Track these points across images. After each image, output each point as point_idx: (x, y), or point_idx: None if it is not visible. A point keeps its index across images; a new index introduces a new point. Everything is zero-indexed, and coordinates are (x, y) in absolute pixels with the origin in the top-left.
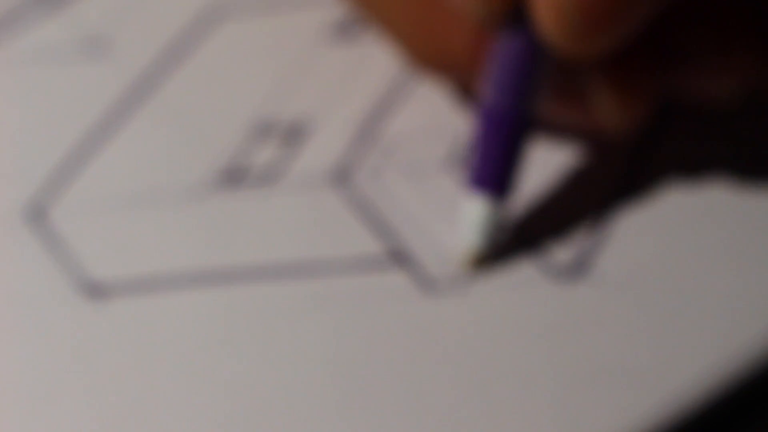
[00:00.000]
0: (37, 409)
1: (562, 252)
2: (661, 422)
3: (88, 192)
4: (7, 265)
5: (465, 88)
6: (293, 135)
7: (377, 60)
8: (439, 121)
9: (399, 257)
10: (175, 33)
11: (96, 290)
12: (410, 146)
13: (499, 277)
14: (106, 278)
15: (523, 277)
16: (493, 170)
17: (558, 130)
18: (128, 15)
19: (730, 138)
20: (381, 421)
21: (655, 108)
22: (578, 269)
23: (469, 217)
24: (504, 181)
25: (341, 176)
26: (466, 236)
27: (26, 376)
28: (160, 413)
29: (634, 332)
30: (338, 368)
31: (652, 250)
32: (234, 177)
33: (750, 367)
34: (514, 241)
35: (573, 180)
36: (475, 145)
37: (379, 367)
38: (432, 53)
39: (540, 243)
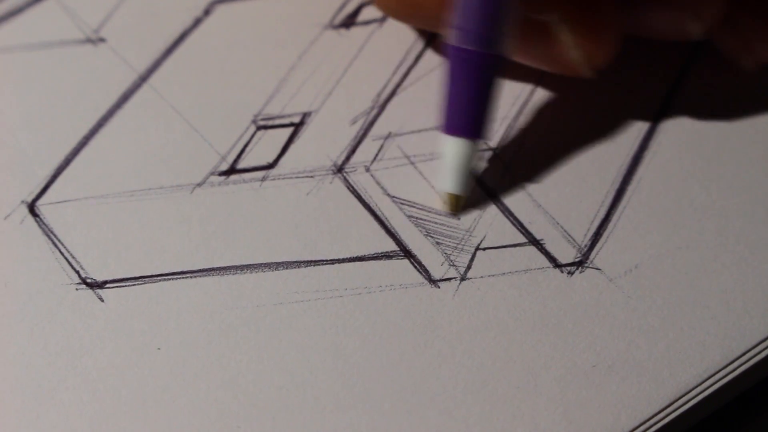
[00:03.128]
0: (34, 399)
1: (565, 246)
2: (661, 416)
3: (85, 186)
4: (6, 258)
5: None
6: (292, 127)
7: (377, 49)
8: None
9: (400, 249)
10: (172, 25)
11: (95, 282)
12: (410, 140)
13: (501, 269)
14: (104, 271)
15: (525, 269)
16: (464, 111)
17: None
18: (125, 10)
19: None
20: (381, 411)
21: (621, 46)
22: (581, 263)
23: (446, 159)
24: (476, 122)
25: (341, 169)
26: (443, 179)
27: (23, 365)
28: (158, 402)
29: (634, 326)
30: (336, 358)
31: (653, 245)
32: (232, 170)
33: (751, 362)
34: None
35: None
36: (445, 87)
37: (379, 356)
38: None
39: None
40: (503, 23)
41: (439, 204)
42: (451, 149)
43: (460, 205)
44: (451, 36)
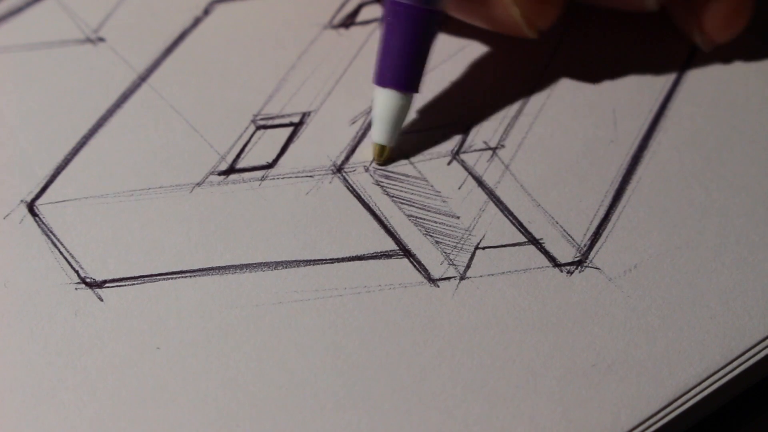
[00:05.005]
0: (34, 399)
1: (565, 245)
2: (660, 416)
3: (85, 186)
4: (5, 258)
5: None
6: (291, 127)
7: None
8: (439, 116)
9: (400, 248)
10: (171, 25)
11: (94, 282)
12: (409, 140)
13: (500, 268)
14: (103, 270)
15: (524, 268)
16: (396, 64)
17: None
18: (124, 10)
19: None
20: (380, 411)
21: (564, 10)
22: (580, 262)
23: (375, 110)
24: (407, 74)
25: (340, 169)
26: (373, 130)
27: (23, 365)
28: (158, 402)
29: (634, 326)
30: (336, 358)
31: (652, 244)
32: (232, 169)
33: (750, 362)
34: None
35: None
36: (382, 40)
37: (378, 356)
38: None
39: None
40: None
41: (367, 155)
42: (381, 100)
43: (386, 156)
44: None
